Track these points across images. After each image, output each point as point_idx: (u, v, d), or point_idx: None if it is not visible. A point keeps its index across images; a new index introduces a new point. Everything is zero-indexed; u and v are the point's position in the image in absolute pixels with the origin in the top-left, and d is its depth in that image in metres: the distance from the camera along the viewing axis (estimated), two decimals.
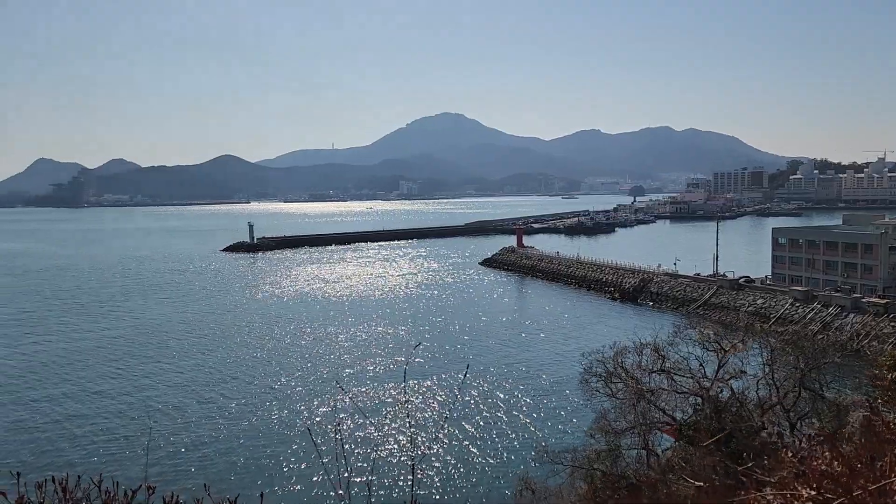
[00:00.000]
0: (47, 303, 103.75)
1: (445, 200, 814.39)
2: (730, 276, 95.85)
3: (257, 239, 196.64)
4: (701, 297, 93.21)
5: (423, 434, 43.80)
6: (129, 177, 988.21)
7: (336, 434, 42.52)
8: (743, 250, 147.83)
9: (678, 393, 28.09)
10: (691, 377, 28.35)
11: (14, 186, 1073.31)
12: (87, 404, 52.01)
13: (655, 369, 29.06)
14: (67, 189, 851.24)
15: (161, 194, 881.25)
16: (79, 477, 5.42)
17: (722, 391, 27.77)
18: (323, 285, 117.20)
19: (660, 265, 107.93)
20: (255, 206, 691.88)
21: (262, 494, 6.03)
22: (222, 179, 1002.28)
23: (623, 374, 28.26)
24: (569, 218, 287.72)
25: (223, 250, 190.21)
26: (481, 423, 46.24)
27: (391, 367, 61.28)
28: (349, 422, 46.38)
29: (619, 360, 28.83)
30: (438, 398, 51.53)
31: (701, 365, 28.77)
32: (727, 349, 28.82)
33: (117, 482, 5.33)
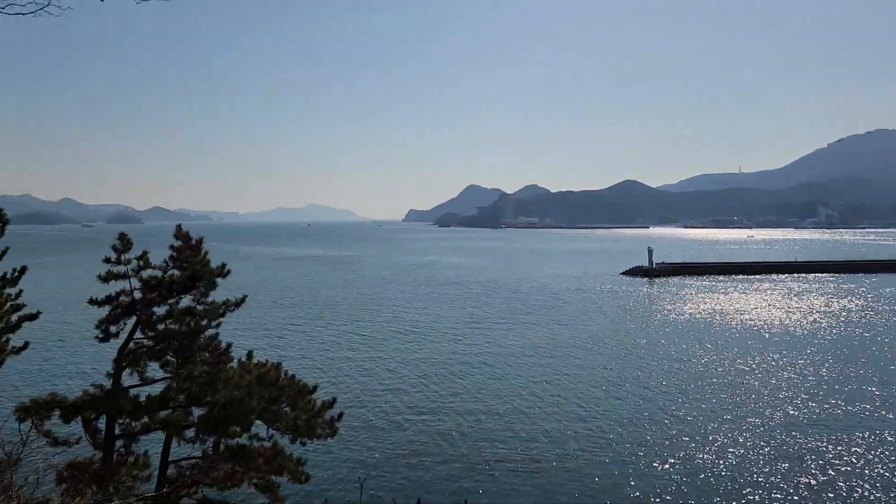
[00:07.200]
0: (486, 311, 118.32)
1: (873, 230, 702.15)
2: None
3: (656, 264, 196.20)
4: None
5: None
6: (540, 201, 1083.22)
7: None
8: None
9: None
10: None
11: (450, 209, 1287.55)
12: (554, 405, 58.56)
13: None
14: (489, 211, 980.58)
15: (567, 218, 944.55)
16: None
17: None
18: (731, 316, 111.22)
19: None
20: (655, 231, 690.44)
21: None
22: (624, 204, 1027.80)
23: None
24: None
25: (622, 273, 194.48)
26: None
27: (811, 412, 55.73)
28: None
29: None
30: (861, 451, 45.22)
31: None
32: None
33: None
